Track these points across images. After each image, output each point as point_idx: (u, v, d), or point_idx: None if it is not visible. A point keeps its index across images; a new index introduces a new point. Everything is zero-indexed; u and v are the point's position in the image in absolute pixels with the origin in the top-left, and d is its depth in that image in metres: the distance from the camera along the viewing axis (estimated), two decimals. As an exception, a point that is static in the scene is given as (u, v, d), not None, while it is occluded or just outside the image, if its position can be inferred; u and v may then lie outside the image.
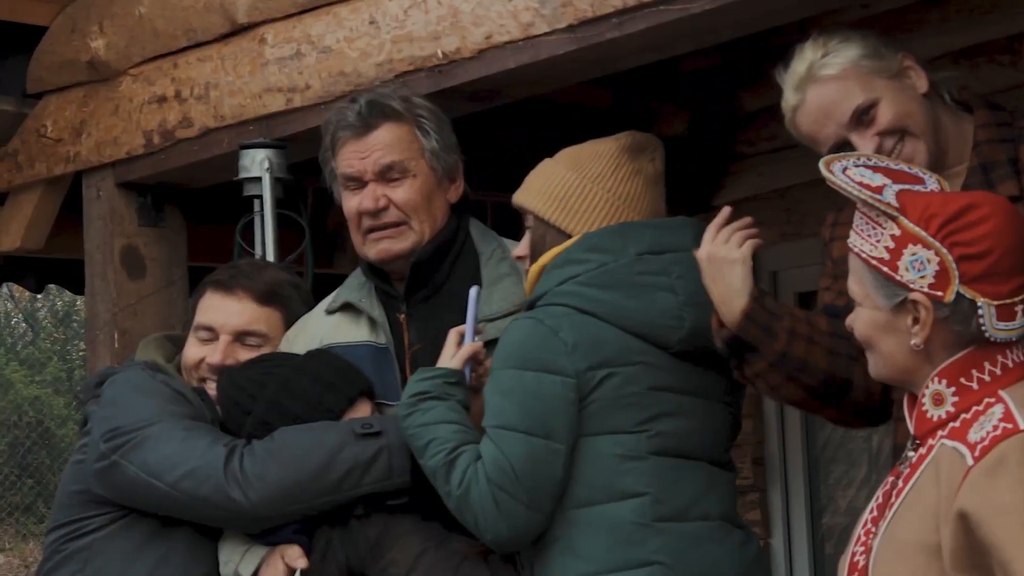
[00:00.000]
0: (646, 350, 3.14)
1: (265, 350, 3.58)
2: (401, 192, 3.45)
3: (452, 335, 3.29)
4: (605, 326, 3.12)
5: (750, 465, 5.78)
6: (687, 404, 3.17)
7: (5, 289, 17.87)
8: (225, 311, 3.59)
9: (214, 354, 3.57)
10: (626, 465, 3.10)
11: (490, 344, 3.35)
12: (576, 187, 3.26)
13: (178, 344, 3.73)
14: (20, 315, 19.64)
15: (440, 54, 3.87)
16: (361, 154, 3.46)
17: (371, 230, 3.47)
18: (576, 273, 3.16)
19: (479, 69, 3.83)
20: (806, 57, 3.19)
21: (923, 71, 3.18)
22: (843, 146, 3.16)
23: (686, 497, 3.13)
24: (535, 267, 3.25)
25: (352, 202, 3.48)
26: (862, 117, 3.13)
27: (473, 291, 3.28)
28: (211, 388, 3.56)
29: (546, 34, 3.67)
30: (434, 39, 3.88)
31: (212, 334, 3.60)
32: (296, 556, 3.30)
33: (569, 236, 3.23)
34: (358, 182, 3.47)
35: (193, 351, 3.62)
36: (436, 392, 3.17)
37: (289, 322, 3.64)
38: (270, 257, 4.14)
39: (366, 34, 4.03)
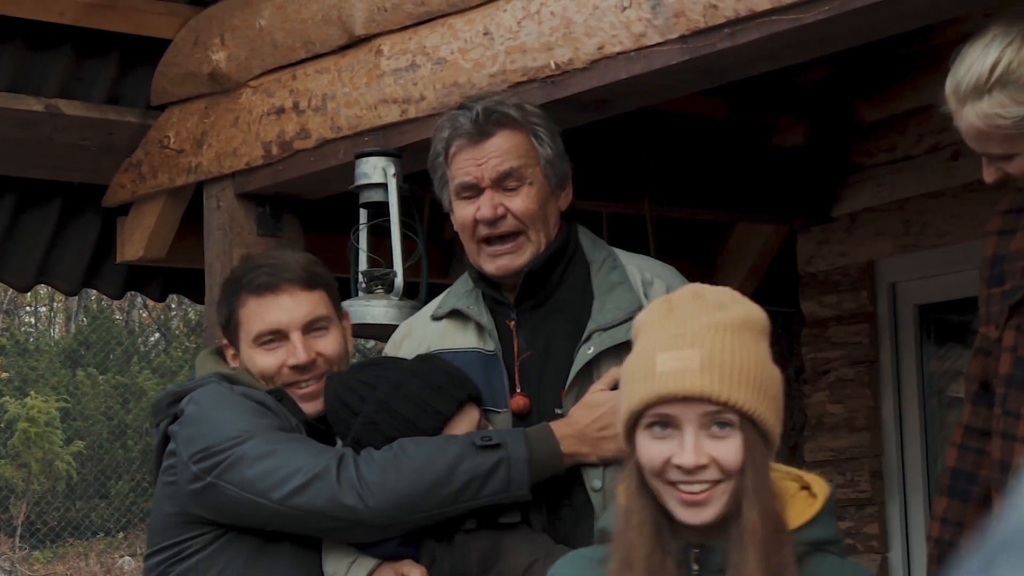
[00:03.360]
0: None
1: (333, 332, 3.54)
2: (518, 201, 3.39)
3: None
4: None
5: (868, 478, 5.73)
6: None
7: (140, 299, 18.18)
8: (284, 309, 3.50)
9: (295, 354, 3.49)
10: None
11: (605, 353, 3.34)
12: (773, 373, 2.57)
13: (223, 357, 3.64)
14: (153, 324, 19.98)
15: (553, 65, 3.87)
16: (477, 160, 3.39)
17: (487, 240, 3.41)
18: None
19: (591, 79, 3.81)
20: (974, 72, 3.03)
21: None
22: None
23: None
24: (816, 507, 2.59)
25: (468, 210, 3.42)
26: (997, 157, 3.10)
27: None
28: (299, 390, 3.51)
29: (658, 44, 3.65)
30: (547, 50, 3.88)
31: (279, 336, 3.51)
32: (420, 574, 3.27)
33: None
34: (474, 189, 3.41)
35: (267, 360, 3.52)
36: None
37: (335, 298, 3.59)
38: (397, 260, 4.09)
39: (480, 45, 4.04)
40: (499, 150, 3.40)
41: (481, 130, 3.40)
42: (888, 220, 5.68)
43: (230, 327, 3.56)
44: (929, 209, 5.56)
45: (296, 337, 3.49)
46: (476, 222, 3.41)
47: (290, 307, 3.51)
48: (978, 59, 3.04)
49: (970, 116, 3.05)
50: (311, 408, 3.51)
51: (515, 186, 3.40)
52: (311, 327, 3.53)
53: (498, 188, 3.40)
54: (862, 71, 5.62)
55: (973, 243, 5.46)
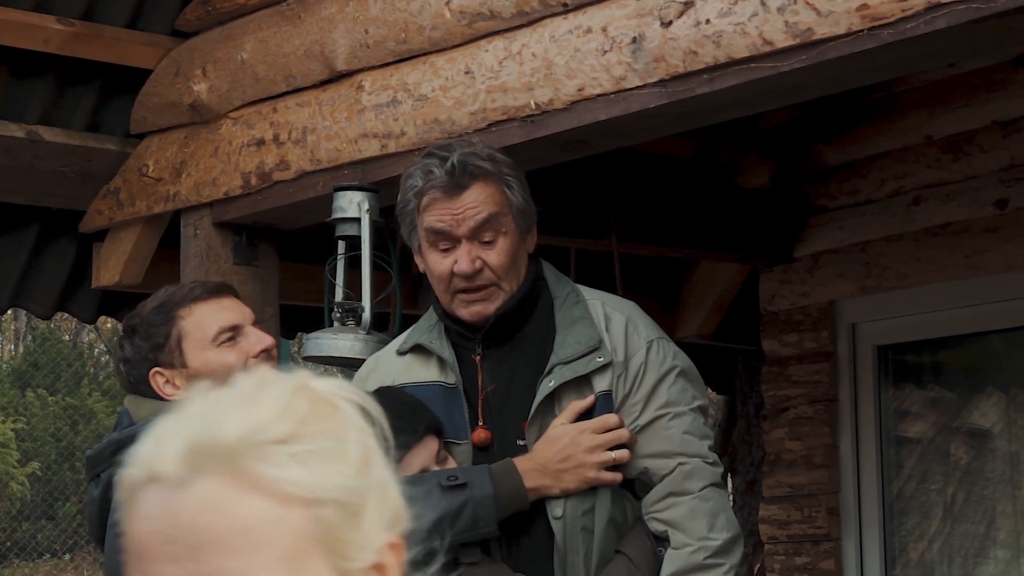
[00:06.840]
0: None
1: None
2: (494, 255, 3.47)
3: None
4: None
5: (825, 515, 5.82)
6: None
7: (87, 320, 18.07)
8: (235, 310, 3.62)
9: (259, 341, 3.58)
10: None
11: (566, 386, 3.43)
12: None
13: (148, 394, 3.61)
14: (103, 345, 19.89)
15: (533, 104, 3.92)
16: (454, 211, 3.46)
17: (462, 291, 3.50)
18: None
19: (571, 120, 3.87)
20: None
21: None
22: None
23: None
24: None
25: (445, 263, 3.48)
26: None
27: None
28: None
29: (637, 88, 3.71)
30: (528, 90, 3.93)
31: (237, 332, 3.59)
32: None
33: None
34: (449, 239, 3.48)
35: (229, 356, 3.57)
36: None
37: None
38: (365, 295, 4.18)
39: (461, 83, 4.09)
40: (475, 201, 3.47)
41: (457, 183, 3.46)
42: (849, 262, 5.78)
43: (167, 346, 3.57)
44: (890, 252, 5.67)
45: (254, 330, 3.60)
46: (453, 275, 3.49)
47: (237, 307, 3.64)
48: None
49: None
50: None
51: (491, 239, 3.47)
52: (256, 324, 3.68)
53: (474, 240, 3.47)
54: (824, 115, 5.74)
55: (932, 286, 5.60)
